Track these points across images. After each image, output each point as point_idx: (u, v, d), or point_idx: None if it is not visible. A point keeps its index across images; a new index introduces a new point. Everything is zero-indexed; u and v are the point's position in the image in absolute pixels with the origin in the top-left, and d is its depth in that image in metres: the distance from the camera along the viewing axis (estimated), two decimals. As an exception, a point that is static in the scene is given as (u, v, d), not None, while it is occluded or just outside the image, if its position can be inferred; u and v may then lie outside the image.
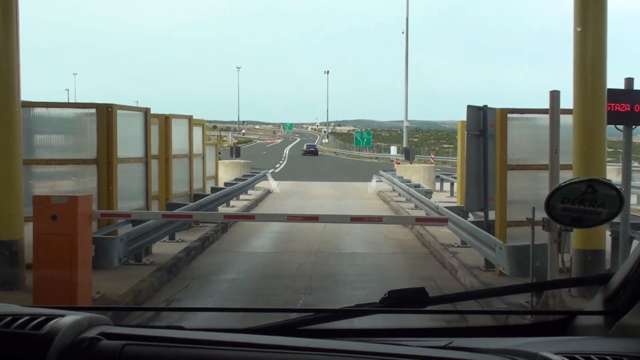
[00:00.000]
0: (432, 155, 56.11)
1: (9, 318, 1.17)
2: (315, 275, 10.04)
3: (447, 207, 12.54)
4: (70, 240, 6.87)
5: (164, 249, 11.33)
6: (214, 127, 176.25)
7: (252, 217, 8.81)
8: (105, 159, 9.83)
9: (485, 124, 10.03)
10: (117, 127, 9.93)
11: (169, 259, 10.51)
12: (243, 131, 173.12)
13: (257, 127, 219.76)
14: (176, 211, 9.68)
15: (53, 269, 6.74)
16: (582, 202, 1.93)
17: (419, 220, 8.35)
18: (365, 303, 1.65)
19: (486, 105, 10.13)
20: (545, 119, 9.90)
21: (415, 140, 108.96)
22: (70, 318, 1.17)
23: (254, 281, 9.71)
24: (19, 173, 8.15)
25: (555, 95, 6.96)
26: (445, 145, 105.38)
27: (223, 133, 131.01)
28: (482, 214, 10.51)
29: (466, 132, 10.02)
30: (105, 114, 9.83)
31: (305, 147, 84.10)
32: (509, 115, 9.56)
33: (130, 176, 10.66)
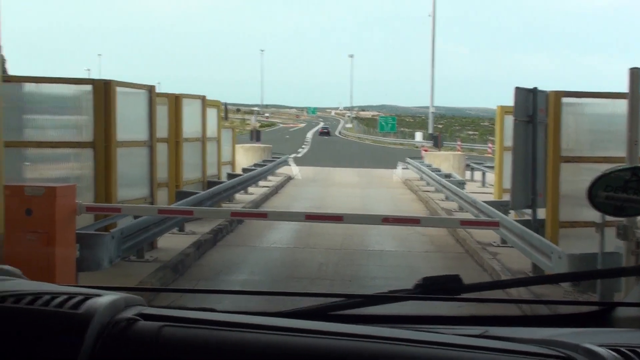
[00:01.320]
0: (458, 143, 54.56)
1: (48, 297, 1.15)
2: (338, 278, 8.87)
3: (485, 202, 11.27)
4: (47, 238, 5.76)
5: (171, 242, 10.23)
6: (238, 110, 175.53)
7: (263, 215, 7.55)
8: (102, 142, 8.71)
9: (535, 109, 8.73)
10: (116, 106, 8.80)
11: (175, 255, 9.39)
12: (266, 114, 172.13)
13: (280, 110, 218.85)
14: (173, 206, 8.52)
15: (27, 273, 5.61)
16: (625, 190, 1.87)
17: (464, 224, 7.05)
18: (398, 289, 1.60)
19: (536, 88, 8.82)
20: (604, 104, 8.66)
21: (440, 126, 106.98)
22: (107, 298, 1.16)
23: (268, 284, 8.56)
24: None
25: (635, 74, 5.65)
26: (470, 132, 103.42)
27: (246, 116, 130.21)
28: (529, 211, 9.24)
29: (513, 119, 8.71)
30: (103, 91, 8.69)
31: (320, 129, 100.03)
32: (563, 99, 8.27)
33: (132, 161, 9.53)
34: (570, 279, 5.05)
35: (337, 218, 6.97)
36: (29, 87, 8.66)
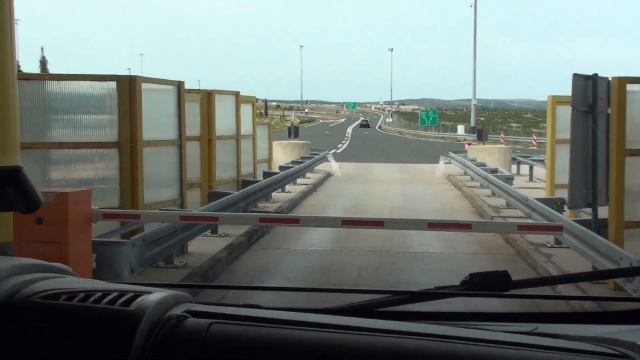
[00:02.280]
0: (502, 135, 53.20)
1: (99, 294, 1.18)
2: (379, 285, 8.22)
3: (538, 199, 10.47)
4: (59, 249, 5.25)
5: (203, 246, 9.71)
6: (277, 107, 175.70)
7: (295, 221, 6.92)
8: (127, 142, 8.23)
9: (595, 98, 7.91)
10: (142, 104, 8.30)
11: (206, 260, 8.87)
12: (306, 110, 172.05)
13: (320, 106, 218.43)
14: (197, 212, 7.93)
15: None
16: None
17: (522, 228, 6.31)
18: (445, 285, 1.55)
19: (597, 74, 8.00)
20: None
21: (482, 119, 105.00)
22: (157, 295, 1.18)
23: (303, 293, 7.95)
24: (14, 157, 6.56)
25: None
26: (513, 125, 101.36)
27: (286, 112, 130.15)
28: (587, 210, 8.44)
29: (571, 109, 7.91)
30: (127, 88, 8.20)
31: (360, 121, 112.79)
32: (628, 85, 7.45)
33: (160, 161, 9.04)
34: (621, 274, 4.80)
35: (377, 223, 6.31)
36: (50, 85, 8.21)
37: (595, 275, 1.82)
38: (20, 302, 1.17)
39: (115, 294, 1.19)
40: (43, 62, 56.42)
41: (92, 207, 5.83)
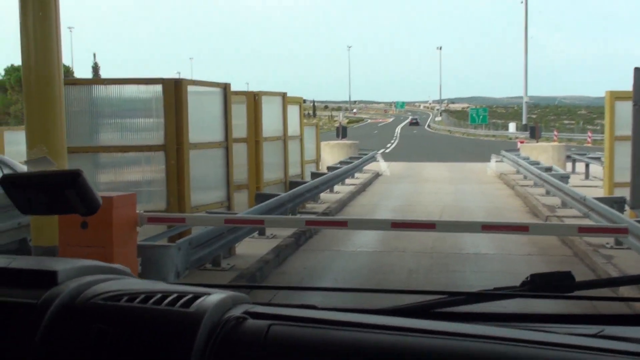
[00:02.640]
0: (555, 133, 51.97)
1: (159, 295, 1.19)
2: (430, 287, 7.97)
3: (596, 199, 10.04)
4: (104, 253, 5.20)
5: (251, 247, 9.63)
6: (326, 107, 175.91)
7: (342, 224, 6.73)
8: (174, 145, 8.19)
9: (658, 91, 7.52)
10: (187, 106, 8.25)
11: (254, 263, 8.78)
12: (354, 110, 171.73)
13: (368, 106, 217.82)
14: (242, 215, 7.80)
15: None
16: None
17: (583, 231, 5.96)
18: (504, 287, 1.51)
19: (660, 66, 7.60)
20: None
21: (534, 116, 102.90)
22: (216, 296, 1.19)
23: (354, 294, 7.77)
24: (61, 161, 6.58)
25: None
26: (566, 122, 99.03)
27: (334, 113, 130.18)
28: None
29: (633, 104, 7.53)
30: (174, 90, 8.16)
31: (410, 119, 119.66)
32: (695, 77, 7.04)
33: (207, 164, 8.98)
34: None
35: (428, 226, 6.06)
36: (97, 89, 8.25)
37: None
38: (83, 303, 1.19)
39: (175, 295, 1.20)
40: (95, 68, 57.62)
41: (137, 211, 5.77)
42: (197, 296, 1.20)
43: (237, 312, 1.17)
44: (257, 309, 1.21)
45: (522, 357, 1.04)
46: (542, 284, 1.47)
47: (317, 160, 17.66)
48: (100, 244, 5.19)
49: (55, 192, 1.33)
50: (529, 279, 1.48)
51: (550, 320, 1.44)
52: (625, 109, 10.42)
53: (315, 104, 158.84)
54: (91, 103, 8.27)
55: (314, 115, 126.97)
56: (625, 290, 6.91)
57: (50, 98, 6.41)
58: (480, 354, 1.05)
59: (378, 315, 1.28)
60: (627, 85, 9.30)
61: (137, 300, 1.19)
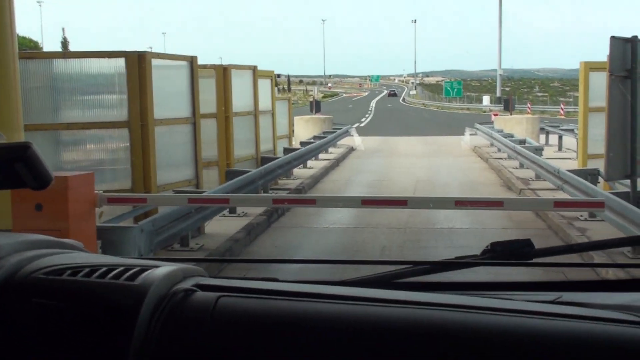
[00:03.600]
0: (528, 105, 52.16)
1: (104, 269, 1.15)
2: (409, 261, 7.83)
3: (570, 171, 9.96)
4: (60, 236, 4.91)
5: (221, 226, 9.41)
6: (300, 82, 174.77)
7: (311, 202, 6.50)
8: (138, 121, 7.90)
9: (634, 63, 7.37)
10: (152, 81, 7.94)
11: (223, 242, 8.57)
12: (329, 85, 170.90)
13: (343, 80, 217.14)
14: (207, 194, 7.56)
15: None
16: None
17: (559, 205, 5.83)
18: (466, 255, 1.53)
19: (636, 37, 7.44)
20: None
21: (507, 89, 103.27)
22: (164, 269, 1.15)
23: (325, 267, 7.61)
24: (17, 134, 6.25)
25: None
26: (539, 94, 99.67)
27: (309, 87, 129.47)
28: (625, 181, 7.94)
29: (608, 74, 7.38)
30: (137, 64, 7.84)
31: (388, 92, 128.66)
32: (670, 47, 6.90)
33: (173, 141, 8.71)
34: None
35: (400, 202, 5.88)
36: (56, 63, 7.90)
37: (623, 242, 1.70)
38: (22, 279, 1.15)
39: (122, 268, 1.16)
40: (64, 43, 56.26)
41: (96, 191, 5.51)
42: (144, 269, 1.15)
43: (186, 284, 1.13)
44: (209, 281, 1.17)
45: (481, 325, 1.04)
46: (502, 252, 1.48)
47: (289, 136, 17.41)
48: (56, 227, 4.92)
49: (4, 166, 1.24)
50: (489, 247, 1.49)
51: (511, 288, 1.46)
52: (599, 80, 10.32)
53: (290, 78, 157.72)
54: (50, 78, 7.92)
55: (289, 89, 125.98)
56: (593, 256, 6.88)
57: (2, 73, 6.07)
58: (441, 322, 1.05)
59: (340, 287, 1.27)
60: (601, 57, 9.19)
61: (81, 274, 1.14)
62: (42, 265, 1.18)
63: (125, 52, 7.94)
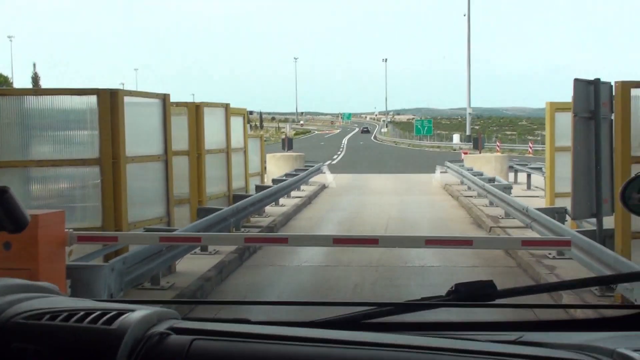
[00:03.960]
0: (497, 143, 52.99)
1: (82, 313, 1.19)
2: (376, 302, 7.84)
3: (538, 209, 10.12)
4: (30, 276, 4.85)
5: (192, 264, 9.32)
6: (273, 119, 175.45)
7: (283, 241, 6.53)
8: (110, 158, 7.86)
9: (597, 104, 7.58)
10: (124, 118, 7.94)
11: (194, 280, 8.49)
12: (301, 122, 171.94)
13: (315, 117, 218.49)
14: (178, 232, 7.53)
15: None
16: None
17: (527, 244, 5.93)
18: (431, 296, 1.57)
19: (599, 79, 7.68)
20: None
21: (477, 127, 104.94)
22: (140, 313, 1.19)
23: (296, 308, 7.58)
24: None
25: None
26: (508, 132, 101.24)
27: (281, 124, 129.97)
28: (592, 220, 8.09)
29: (572, 115, 7.58)
30: (109, 101, 7.84)
31: (362, 128, 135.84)
32: (632, 90, 7.13)
33: (145, 178, 8.68)
34: (607, 282, 4.78)
35: (371, 241, 5.93)
36: (28, 100, 7.86)
37: (578, 284, 1.74)
38: (2, 323, 1.17)
39: (99, 312, 1.18)
40: (35, 79, 55.86)
41: (66, 229, 5.46)
42: (121, 313, 1.18)
43: (161, 328, 1.15)
44: (183, 324, 1.19)
45: None
46: (466, 293, 1.52)
47: (261, 173, 17.43)
48: (25, 265, 4.86)
49: None
50: (453, 288, 1.53)
51: (474, 328, 1.49)
52: (564, 120, 10.57)
53: (263, 115, 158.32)
54: (22, 115, 7.86)
55: (261, 127, 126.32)
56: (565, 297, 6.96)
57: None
58: None
59: (310, 329, 1.31)
60: (566, 97, 9.43)
61: (59, 318, 1.17)
62: (21, 309, 1.20)
63: (97, 89, 7.93)
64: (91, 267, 5.84)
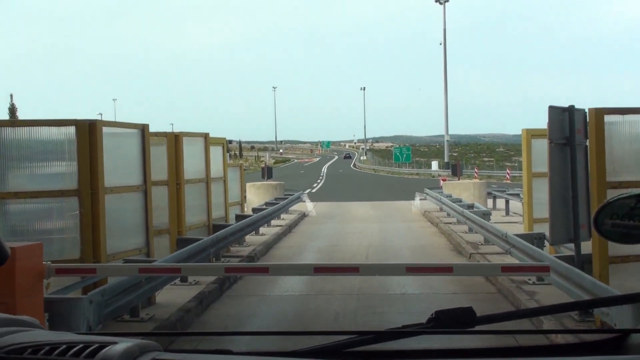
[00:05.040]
0: (475, 170, 53.38)
1: (64, 346, 1.19)
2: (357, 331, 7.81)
3: (517, 235, 10.19)
4: (7, 309, 4.79)
5: (172, 295, 9.23)
6: (252, 148, 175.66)
7: (264, 270, 6.49)
8: (88, 189, 7.81)
9: (572, 130, 7.71)
10: (102, 149, 7.91)
11: (174, 312, 8.40)
12: (281, 150, 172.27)
13: (294, 146, 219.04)
14: (157, 263, 7.48)
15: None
16: (632, 218, 1.83)
17: (507, 270, 5.97)
18: (412, 324, 1.60)
19: (573, 106, 7.82)
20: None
21: (455, 154, 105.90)
22: (122, 345, 1.19)
23: (277, 338, 7.52)
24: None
25: None
26: (485, 159, 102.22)
27: (261, 153, 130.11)
28: (570, 245, 8.17)
29: (548, 142, 7.69)
30: (87, 132, 7.82)
31: (344, 155, 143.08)
32: (606, 117, 7.26)
33: (123, 208, 8.63)
34: (585, 306, 4.88)
35: (352, 269, 5.93)
36: (5, 132, 7.80)
37: (557, 309, 1.78)
38: None
39: (81, 345, 1.18)
40: (12, 110, 55.42)
41: (44, 262, 5.39)
42: (103, 346, 1.17)
43: None
44: (165, 356, 1.19)
45: None
46: (446, 320, 1.53)
47: (241, 202, 17.39)
48: (2, 299, 4.78)
49: None
50: (434, 315, 1.54)
51: (454, 355, 1.51)
52: (541, 146, 10.71)
53: (242, 144, 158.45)
54: (-1, 146, 7.81)
55: (241, 155, 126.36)
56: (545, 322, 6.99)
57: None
58: None
59: (292, 358, 1.32)
60: (541, 124, 9.57)
61: (42, 352, 1.17)
62: (3, 344, 1.19)
63: (75, 120, 7.91)
64: (69, 300, 5.77)
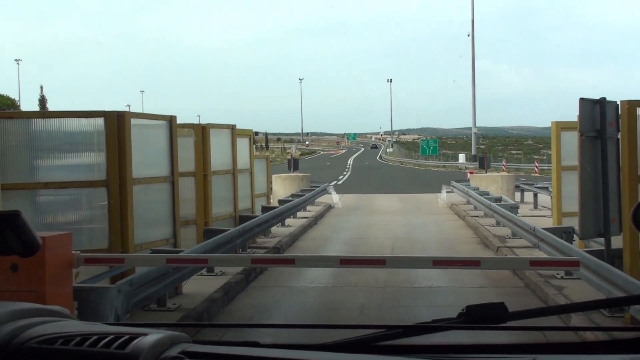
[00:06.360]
0: (503, 163, 52.89)
1: (95, 337, 1.20)
2: (382, 324, 7.79)
3: (545, 229, 10.06)
4: (37, 298, 4.87)
5: (199, 286, 9.30)
6: (278, 140, 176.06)
7: (290, 262, 6.51)
8: (117, 180, 7.88)
9: (603, 123, 7.58)
10: (130, 140, 7.98)
11: (201, 302, 8.46)
12: (307, 142, 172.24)
13: (320, 138, 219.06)
14: (185, 254, 7.52)
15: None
16: None
17: (535, 264, 5.88)
18: (442, 318, 1.57)
19: (604, 98, 7.68)
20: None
21: (483, 147, 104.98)
22: (152, 337, 1.19)
23: (301, 330, 7.53)
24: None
25: None
26: (513, 152, 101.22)
27: (287, 145, 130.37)
28: (599, 239, 8.05)
29: (579, 134, 7.57)
30: (116, 123, 7.88)
31: (371, 145, 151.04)
32: (638, 109, 7.12)
33: (151, 199, 8.69)
34: (619, 304, 4.66)
35: (378, 262, 5.90)
36: (35, 122, 7.91)
37: (590, 305, 1.76)
38: (17, 347, 1.17)
39: (112, 336, 1.19)
40: (42, 101, 56.22)
41: (73, 251, 5.46)
42: (133, 337, 1.18)
43: (174, 352, 1.16)
44: (195, 348, 1.20)
45: None
46: (476, 315, 1.52)
47: (267, 194, 17.43)
48: (32, 288, 4.85)
49: None
50: (464, 310, 1.53)
51: (485, 351, 1.48)
52: (571, 138, 10.56)
53: (268, 136, 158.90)
54: (29, 137, 7.92)
55: (267, 147, 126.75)
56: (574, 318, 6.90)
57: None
58: None
59: (320, 352, 1.32)
60: (571, 116, 9.44)
61: (73, 342, 1.17)
62: (35, 334, 1.20)
63: (104, 111, 7.98)
64: (98, 289, 5.84)
